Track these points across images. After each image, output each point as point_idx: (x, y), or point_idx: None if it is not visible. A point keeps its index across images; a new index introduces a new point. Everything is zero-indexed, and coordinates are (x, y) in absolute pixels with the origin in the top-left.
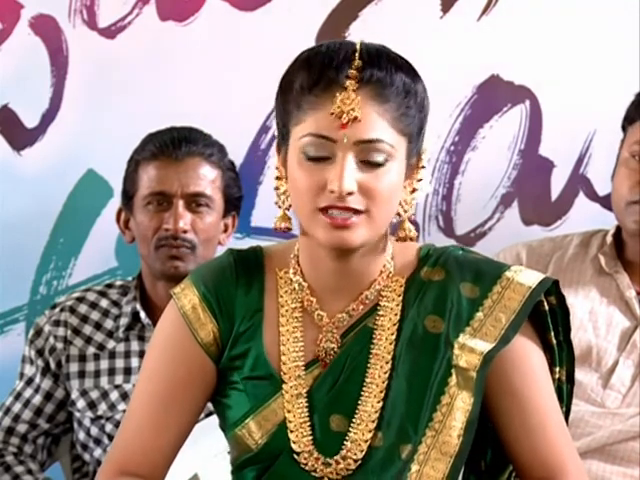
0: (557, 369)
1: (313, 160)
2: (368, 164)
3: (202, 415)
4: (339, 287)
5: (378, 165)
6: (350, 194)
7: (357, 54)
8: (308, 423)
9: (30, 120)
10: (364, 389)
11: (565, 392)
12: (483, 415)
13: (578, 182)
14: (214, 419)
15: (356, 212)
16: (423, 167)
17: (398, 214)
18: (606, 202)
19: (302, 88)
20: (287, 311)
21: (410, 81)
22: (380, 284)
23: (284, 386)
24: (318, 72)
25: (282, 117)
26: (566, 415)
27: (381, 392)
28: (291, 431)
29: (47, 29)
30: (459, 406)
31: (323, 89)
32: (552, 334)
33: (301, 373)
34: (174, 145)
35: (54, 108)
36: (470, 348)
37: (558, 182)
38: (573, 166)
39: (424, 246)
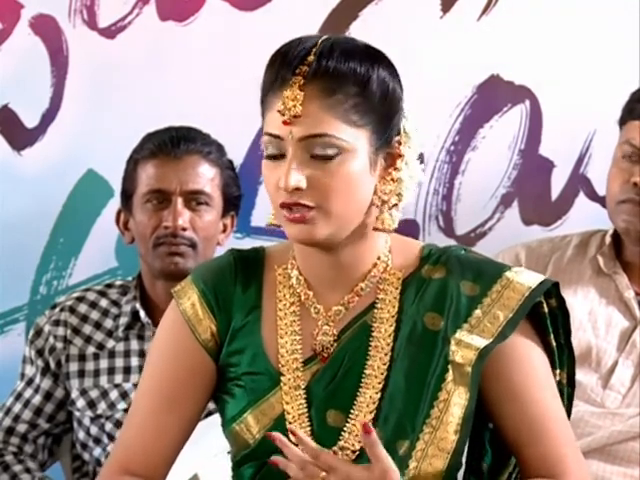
0: (557, 371)
1: (270, 158)
2: (317, 159)
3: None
4: (333, 280)
5: (327, 159)
6: (298, 189)
7: (314, 49)
8: (306, 415)
9: (30, 120)
10: (363, 381)
11: (566, 395)
12: (483, 416)
13: (578, 182)
14: (214, 419)
15: (309, 208)
16: (400, 156)
17: (375, 205)
18: (606, 202)
19: (265, 88)
20: (285, 305)
21: (366, 69)
22: (376, 276)
23: (282, 378)
24: (276, 72)
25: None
26: (567, 418)
27: (379, 384)
28: (289, 422)
29: (47, 29)
30: (456, 402)
31: (278, 88)
32: (552, 336)
33: (299, 366)
34: (173, 143)
35: (54, 108)
36: (466, 344)
37: (558, 182)
38: (573, 166)
39: (426, 245)
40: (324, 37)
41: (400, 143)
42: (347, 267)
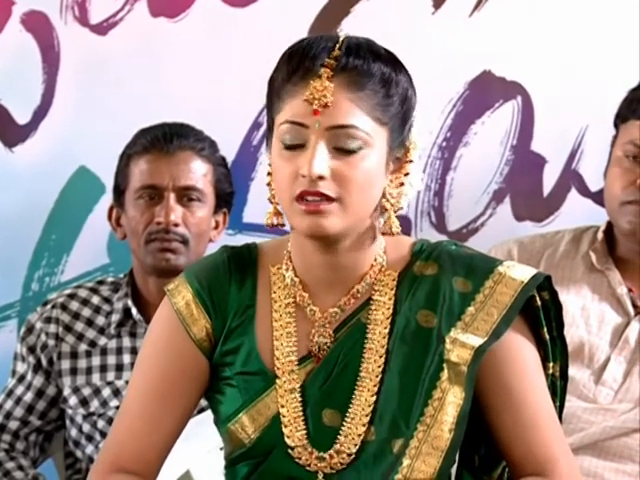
0: (550, 364)
1: (289, 148)
2: (341, 150)
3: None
4: (330, 282)
5: (351, 151)
6: (321, 178)
7: (338, 44)
8: (302, 417)
9: (22, 117)
10: (358, 383)
11: (559, 388)
12: (475, 411)
13: (570, 178)
14: (206, 415)
15: (329, 199)
16: (411, 161)
17: (384, 208)
18: (598, 198)
19: (283, 79)
20: (280, 306)
21: (390, 71)
22: (372, 277)
23: (277, 381)
24: (297, 62)
25: (269, 109)
26: (559, 411)
27: (374, 386)
28: (285, 426)
29: (39, 25)
30: (450, 400)
31: (300, 78)
32: (545, 329)
33: (294, 368)
34: (165, 139)
35: (46, 105)
36: (461, 343)
37: (550, 178)
38: (565, 162)
39: (418, 241)
40: (345, 36)
41: (409, 149)
42: (345, 269)
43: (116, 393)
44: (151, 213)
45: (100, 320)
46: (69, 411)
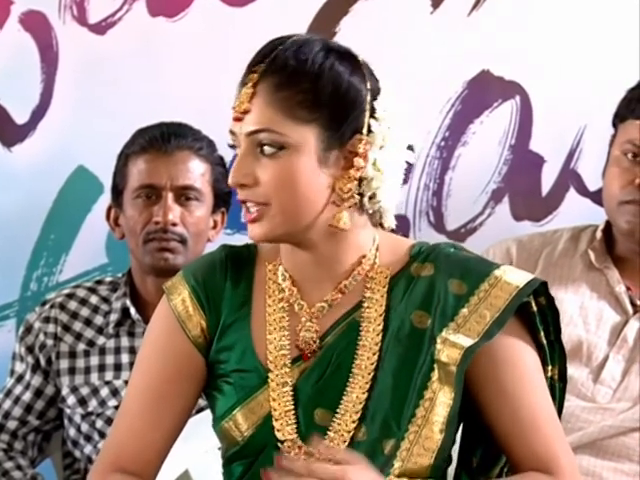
0: (549, 368)
1: (235, 156)
2: (265, 155)
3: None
4: (317, 277)
5: (273, 155)
6: (243, 186)
7: (280, 48)
8: (293, 412)
9: (20, 116)
10: (350, 380)
11: (557, 390)
12: (472, 412)
13: (569, 177)
14: (205, 415)
15: (263, 205)
16: (356, 154)
17: (336, 204)
18: (597, 197)
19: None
20: (274, 301)
21: (318, 64)
22: (362, 274)
23: (270, 374)
24: (244, 73)
25: None
26: (558, 412)
27: (366, 384)
28: (276, 419)
29: (37, 25)
30: (441, 401)
31: (242, 87)
32: (542, 334)
33: (287, 362)
34: (164, 139)
35: (44, 104)
36: (452, 343)
37: (549, 177)
38: (564, 161)
39: (417, 243)
40: (295, 37)
41: (361, 141)
42: (328, 264)
43: (114, 393)
44: (149, 213)
45: (98, 320)
46: (67, 411)
